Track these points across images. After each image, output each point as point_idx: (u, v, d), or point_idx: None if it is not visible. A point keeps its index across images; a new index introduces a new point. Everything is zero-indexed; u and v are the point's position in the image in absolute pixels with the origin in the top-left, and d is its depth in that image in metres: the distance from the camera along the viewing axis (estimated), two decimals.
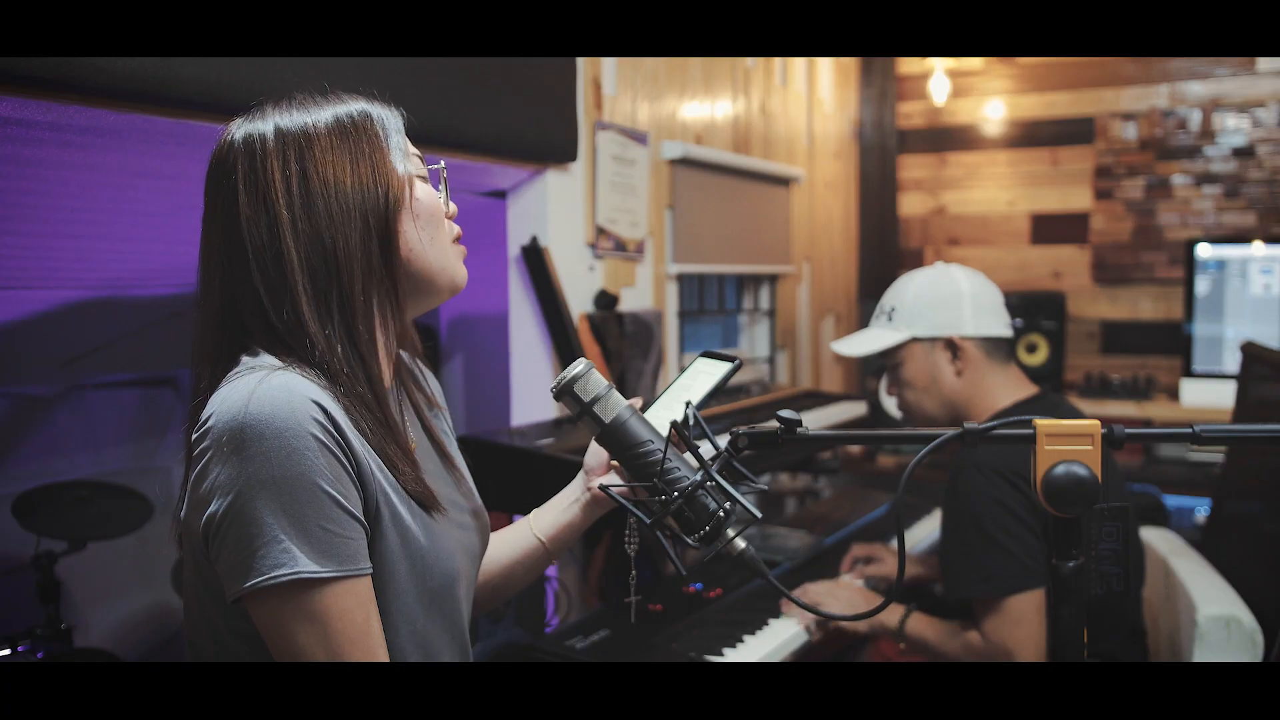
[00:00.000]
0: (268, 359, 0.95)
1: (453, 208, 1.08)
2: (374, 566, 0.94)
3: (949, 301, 1.92)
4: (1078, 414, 1.95)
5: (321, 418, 0.89)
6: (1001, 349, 1.93)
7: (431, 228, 1.03)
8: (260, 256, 0.95)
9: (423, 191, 1.03)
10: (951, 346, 1.91)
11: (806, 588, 1.95)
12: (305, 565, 0.87)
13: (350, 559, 0.90)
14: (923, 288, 1.96)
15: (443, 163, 1.08)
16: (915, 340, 1.94)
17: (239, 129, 0.99)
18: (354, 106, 1.01)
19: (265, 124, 0.98)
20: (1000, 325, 1.93)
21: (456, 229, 1.07)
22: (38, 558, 2.29)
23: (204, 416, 0.90)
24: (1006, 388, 1.92)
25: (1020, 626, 1.66)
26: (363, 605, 0.91)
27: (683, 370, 1.23)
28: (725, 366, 1.18)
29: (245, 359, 0.96)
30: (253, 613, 0.90)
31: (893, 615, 1.86)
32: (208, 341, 0.99)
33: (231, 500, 0.87)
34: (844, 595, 1.93)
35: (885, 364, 2.02)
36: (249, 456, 0.86)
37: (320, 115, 0.99)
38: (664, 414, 1.17)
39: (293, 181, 0.95)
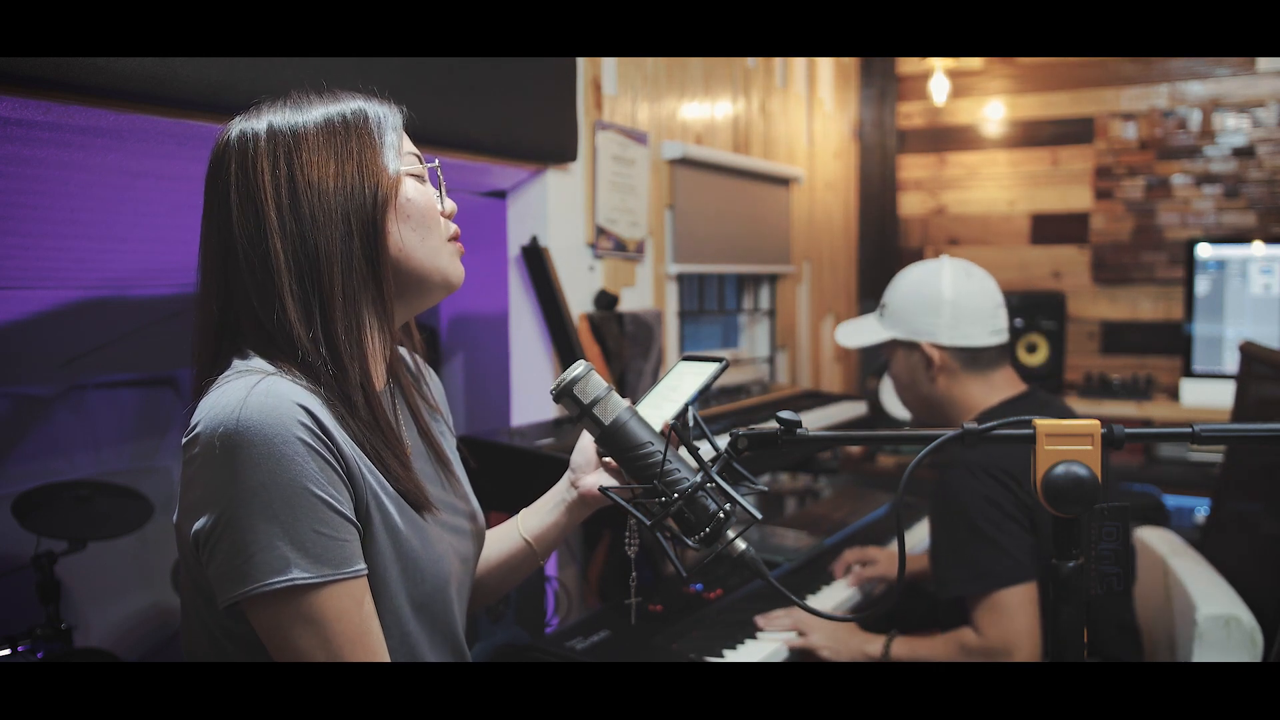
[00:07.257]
0: (258, 362, 0.95)
1: (450, 205, 1.07)
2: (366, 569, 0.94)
3: (929, 308, 1.86)
4: (1070, 412, 1.93)
5: (308, 420, 0.89)
6: (984, 357, 1.86)
7: (423, 228, 1.02)
8: (249, 257, 0.95)
9: (414, 191, 1.02)
10: (926, 353, 1.87)
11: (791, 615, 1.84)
12: (299, 571, 0.87)
13: (345, 561, 0.90)
14: (909, 288, 1.91)
15: (437, 161, 1.08)
16: (896, 341, 1.92)
17: (234, 129, 0.99)
18: (348, 105, 1.01)
19: (259, 123, 0.98)
20: (984, 334, 1.85)
21: (453, 227, 1.07)
22: (38, 558, 2.28)
23: (192, 423, 0.90)
24: (989, 392, 1.86)
25: (1016, 620, 1.65)
26: (359, 606, 0.91)
27: (662, 377, 1.19)
28: (711, 368, 1.14)
29: (236, 362, 0.96)
30: (251, 617, 0.90)
31: (875, 644, 1.80)
32: (200, 343, 0.99)
33: (223, 508, 0.87)
34: (836, 633, 1.84)
35: (881, 355, 2.00)
36: (238, 463, 0.86)
37: (311, 114, 0.99)
38: (650, 415, 1.13)
39: (281, 182, 0.96)
